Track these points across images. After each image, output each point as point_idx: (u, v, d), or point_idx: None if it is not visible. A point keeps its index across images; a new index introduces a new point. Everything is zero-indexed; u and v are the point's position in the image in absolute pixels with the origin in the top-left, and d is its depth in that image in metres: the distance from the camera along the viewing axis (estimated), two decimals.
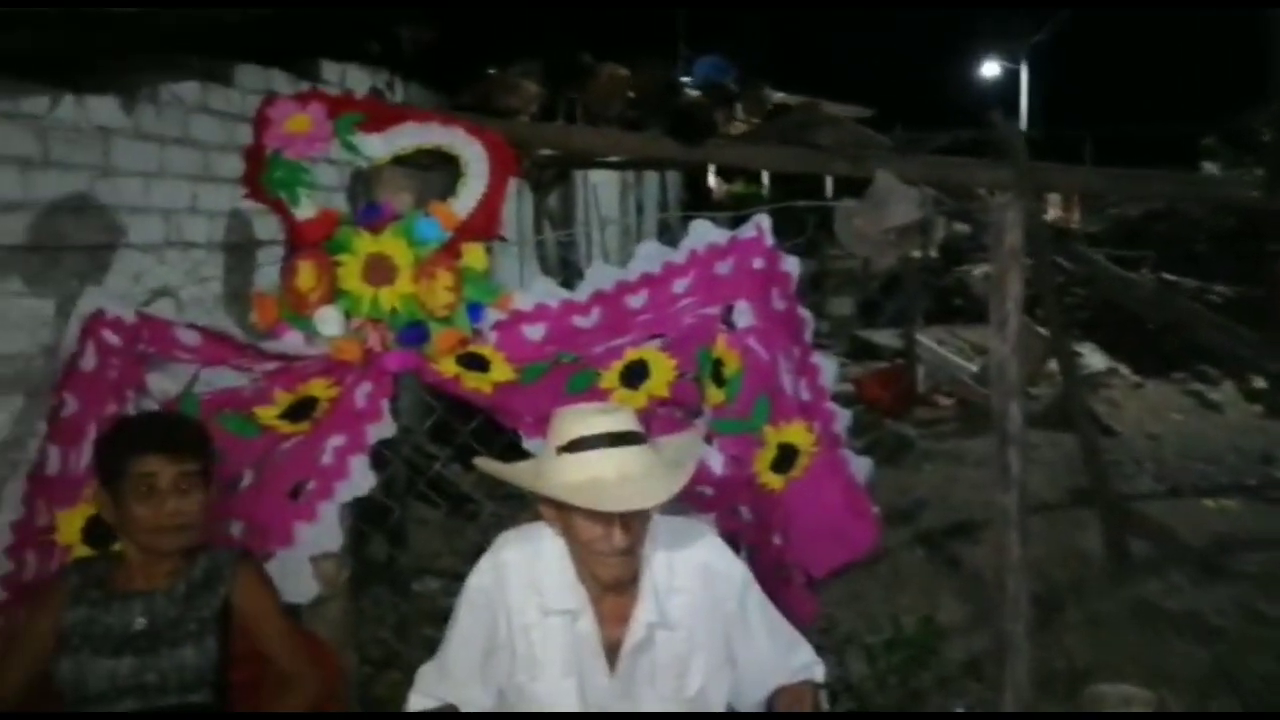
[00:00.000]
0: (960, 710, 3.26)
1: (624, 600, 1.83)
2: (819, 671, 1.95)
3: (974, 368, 8.21)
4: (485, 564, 1.89)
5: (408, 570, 3.68)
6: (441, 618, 3.64)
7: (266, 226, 4.77)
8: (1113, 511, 4.50)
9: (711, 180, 15.76)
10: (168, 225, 4.05)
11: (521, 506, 2.00)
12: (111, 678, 1.91)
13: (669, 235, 2.60)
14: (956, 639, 3.40)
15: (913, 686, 3.22)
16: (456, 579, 4.02)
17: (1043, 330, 5.89)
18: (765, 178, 14.38)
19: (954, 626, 3.61)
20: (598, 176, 11.13)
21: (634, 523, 1.76)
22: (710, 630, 1.85)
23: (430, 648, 3.39)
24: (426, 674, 1.94)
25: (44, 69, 3.11)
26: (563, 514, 1.79)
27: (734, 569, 1.90)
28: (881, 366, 8.27)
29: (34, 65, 3.02)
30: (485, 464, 1.96)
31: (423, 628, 3.48)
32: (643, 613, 1.81)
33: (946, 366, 8.24)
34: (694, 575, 1.86)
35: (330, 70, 4.87)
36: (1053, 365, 6.37)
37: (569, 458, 1.77)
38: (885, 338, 8.82)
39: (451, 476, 4.45)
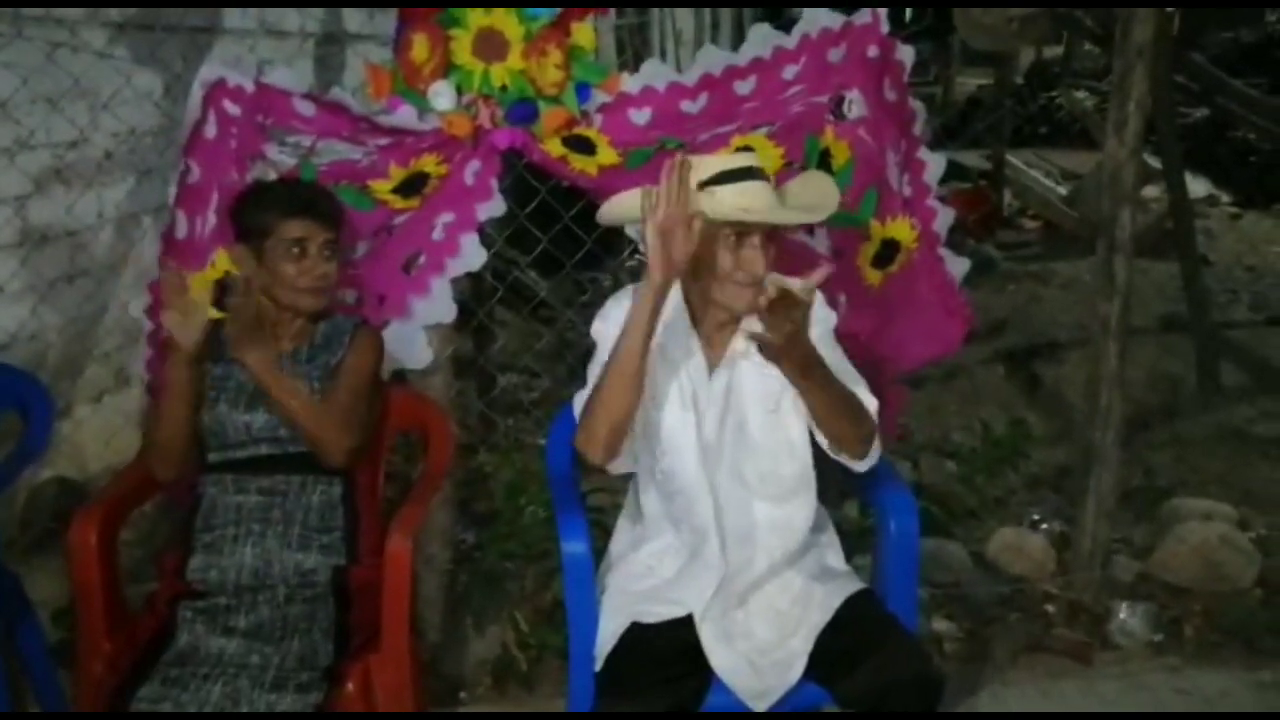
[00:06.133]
0: (1035, 518, 3.31)
1: (725, 339, 1.92)
2: (872, 404, 1.93)
3: (1063, 190, 7.97)
4: (609, 308, 1.95)
5: (491, 365, 3.82)
6: (520, 410, 3.84)
7: (355, 18, 4.72)
8: (1208, 337, 4.44)
9: None
10: (263, 12, 4.02)
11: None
12: (247, 429, 2.04)
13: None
14: (1036, 453, 3.43)
15: (1001, 487, 3.27)
16: (534, 376, 4.18)
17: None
18: None
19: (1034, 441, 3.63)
20: None
21: (770, 251, 1.84)
22: None
23: (510, 436, 3.56)
24: (580, 396, 1.96)
25: None
26: (703, 248, 1.81)
27: (819, 310, 1.92)
28: (966, 187, 8.07)
29: None
30: (623, 200, 1.92)
31: (505, 418, 3.63)
32: (738, 342, 1.91)
33: (1034, 188, 8.00)
34: None
35: None
36: (1147, 190, 6.10)
37: (717, 189, 1.80)
38: (971, 159, 8.54)
39: (529, 282, 4.54)
